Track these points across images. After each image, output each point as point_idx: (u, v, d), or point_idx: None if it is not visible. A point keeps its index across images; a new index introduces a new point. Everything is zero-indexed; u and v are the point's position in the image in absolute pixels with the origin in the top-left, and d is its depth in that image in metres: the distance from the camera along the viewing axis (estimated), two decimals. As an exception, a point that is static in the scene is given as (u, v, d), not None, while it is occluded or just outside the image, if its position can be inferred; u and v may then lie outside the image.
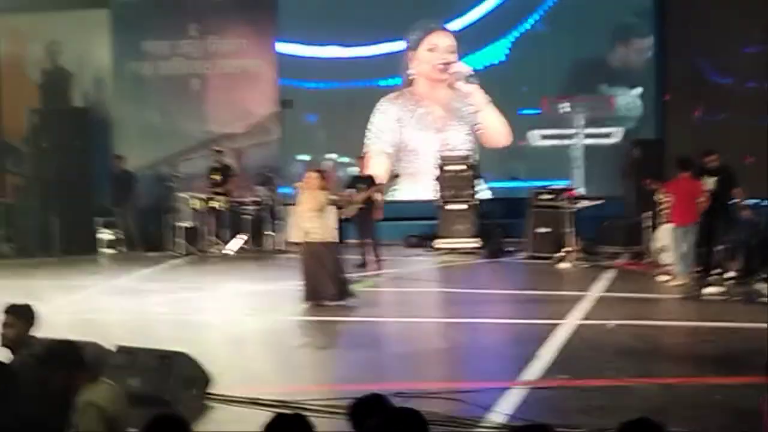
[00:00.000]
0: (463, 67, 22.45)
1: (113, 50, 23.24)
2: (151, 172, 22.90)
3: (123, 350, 8.04)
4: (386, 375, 10.45)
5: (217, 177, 20.87)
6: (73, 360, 6.18)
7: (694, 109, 21.97)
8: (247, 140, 23.10)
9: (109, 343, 8.26)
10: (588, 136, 22.63)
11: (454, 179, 20.53)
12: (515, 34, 22.64)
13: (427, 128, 22.65)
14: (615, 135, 22.55)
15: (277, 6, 23.06)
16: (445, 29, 22.58)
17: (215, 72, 23.21)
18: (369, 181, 18.02)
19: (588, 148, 22.60)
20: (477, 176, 20.65)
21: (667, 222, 15.87)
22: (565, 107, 22.64)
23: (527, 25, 22.68)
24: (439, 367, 10.93)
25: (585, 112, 22.67)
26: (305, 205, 14.31)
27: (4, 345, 6.98)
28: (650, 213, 17.88)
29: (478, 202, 20.54)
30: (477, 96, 22.39)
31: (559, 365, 10.32)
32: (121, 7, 23.13)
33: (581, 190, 21.23)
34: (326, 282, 14.10)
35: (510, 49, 22.66)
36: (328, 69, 22.78)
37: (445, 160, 20.80)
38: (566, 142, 22.70)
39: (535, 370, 10.11)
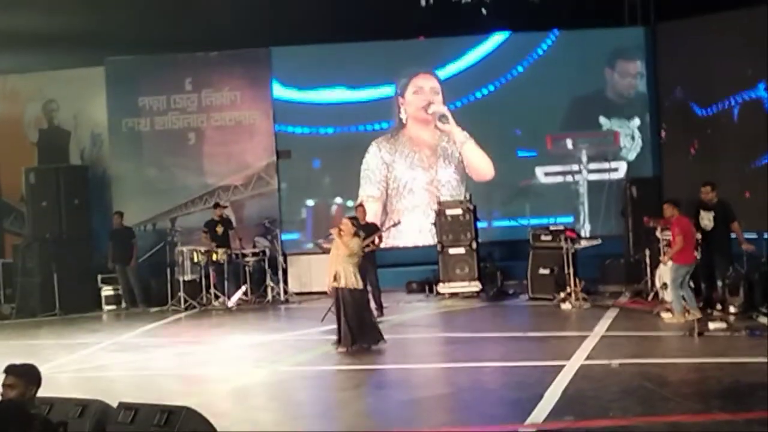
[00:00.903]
0: (439, 108, 23.02)
1: (109, 107, 23.35)
2: (150, 226, 22.94)
3: (125, 406, 7.99)
4: (392, 422, 10.42)
5: (219, 230, 20.88)
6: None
7: (689, 146, 22.06)
8: (245, 192, 23.14)
9: (113, 400, 8.23)
10: (592, 171, 22.83)
11: (453, 224, 20.58)
12: (507, 76, 23.09)
13: (415, 167, 23.14)
14: (621, 170, 22.75)
15: (270, 58, 23.19)
16: (429, 72, 23.15)
17: (211, 125, 23.32)
18: (371, 228, 18.03)
19: (592, 184, 22.76)
20: (476, 219, 20.66)
21: (671, 261, 15.77)
22: (568, 144, 23.04)
23: (519, 68, 23.08)
24: (445, 413, 10.87)
25: (589, 147, 22.87)
26: (339, 251, 14.74)
27: None
28: (649, 251, 17.90)
29: (477, 246, 20.54)
30: (456, 134, 23.03)
31: (564, 406, 10.28)
32: (116, 64, 23.23)
33: (587, 227, 21.37)
34: (359, 327, 14.50)
35: (502, 90, 23.16)
36: (325, 114, 23.09)
37: (443, 205, 20.84)
38: (570, 178, 22.96)
39: (540, 412, 10.07)
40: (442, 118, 22.95)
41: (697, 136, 22.03)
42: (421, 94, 23.16)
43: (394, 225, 20.01)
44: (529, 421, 9.77)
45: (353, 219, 15.50)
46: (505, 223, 22.76)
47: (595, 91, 23.17)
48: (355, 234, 15.00)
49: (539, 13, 22.74)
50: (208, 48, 23.29)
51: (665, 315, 16.02)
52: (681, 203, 16.19)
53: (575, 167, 23.01)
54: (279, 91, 23.25)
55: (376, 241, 17.87)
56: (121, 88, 23.31)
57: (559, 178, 23.18)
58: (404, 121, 23.17)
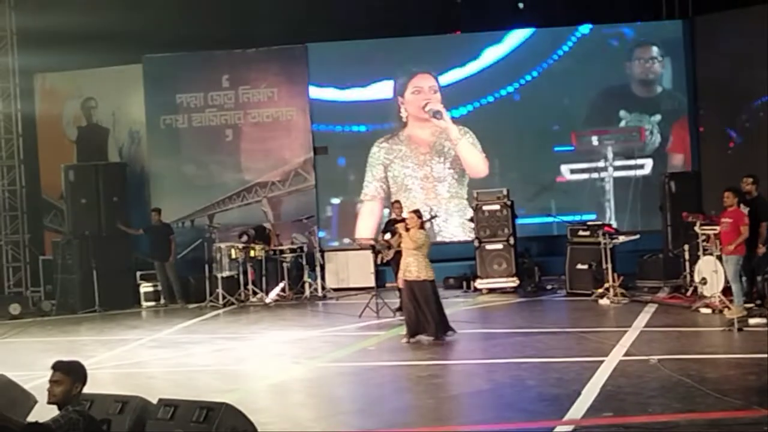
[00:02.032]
0: (434, 105, 23.08)
1: (147, 104, 23.48)
2: (188, 223, 23.05)
3: (165, 403, 8.04)
4: (430, 418, 10.43)
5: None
6: None
7: (728, 141, 21.92)
8: (283, 188, 23.20)
9: (152, 396, 8.27)
10: (618, 168, 22.76)
11: (491, 219, 20.55)
12: (533, 73, 23.15)
13: (409, 165, 23.25)
14: (647, 166, 22.66)
15: (307, 54, 23.23)
16: (427, 72, 23.19)
17: (248, 121, 23.39)
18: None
19: (618, 181, 22.72)
20: (513, 215, 20.61)
21: (729, 253, 15.58)
22: (593, 140, 23.03)
23: (545, 65, 23.16)
24: (483, 409, 10.86)
25: (614, 144, 22.82)
26: (405, 245, 14.96)
27: (51, 402, 7.01)
28: (688, 246, 17.80)
29: (514, 241, 20.51)
30: (452, 131, 23.11)
31: (602, 402, 10.26)
32: (154, 61, 23.35)
33: (613, 224, 21.29)
34: (428, 319, 14.71)
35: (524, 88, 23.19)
36: (351, 112, 23.30)
37: (480, 200, 20.81)
38: (596, 175, 22.93)
39: (579, 408, 10.05)
40: (437, 114, 23.02)
41: (736, 131, 21.87)
42: (421, 94, 23.20)
43: (432, 219, 19.99)
44: (567, 417, 9.76)
45: (417, 212, 15.51)
46: (536, 219, 22.68)
47: (619, 85, 23.14)
48: (421, 226, 15.11)
49: (574, 5, 22.68)
50: (245, 45, 23.35)
51: (704, 310, 15.94)
52: (742, 194, 16.03)
53: (601, 164, 22.93)
54: (314, 91, 23.31)
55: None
56: (159, 86, 23.43)
57: (585, 175, 23.10)
58: (404, 120, 23.24)
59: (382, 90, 23.32)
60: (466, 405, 11.05)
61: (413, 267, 14.84)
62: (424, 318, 14.76)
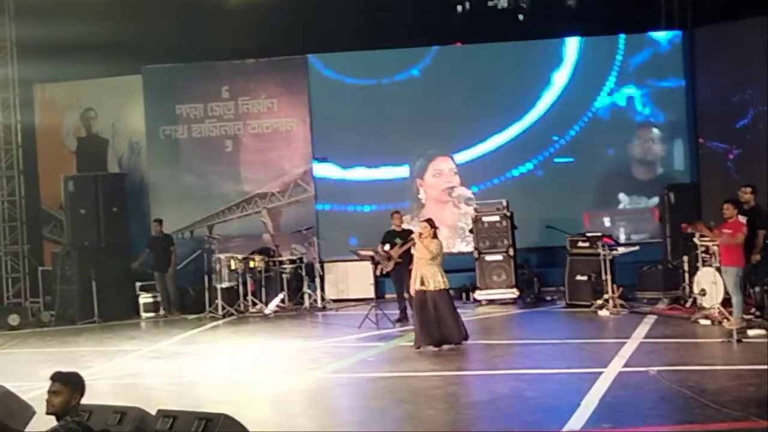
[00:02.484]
0: (464, 191, 22.97)
1: (146, 115, 23.47)
2: (187, 234, 23.05)
3: (164, 414, 8.03)
4: (431, 429, 10.42)
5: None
6: None
7: (727, 153, 21.92)
8: (282, 199, 23.21)
9: (151, 407, 8.27)
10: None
11: (490, 230, 20.56)
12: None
13: None
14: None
15: (307, 65, 23.25)
16: (446, 155, 23.09)
17: (248, 132, 23.38)
18: (406, 235, 18.06)
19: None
20: (513, 226, 20.61)
21: (728, 265, 15.57)
22: (605, 222, 22.94)
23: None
24: (483, 420, 10.86)
25: (627, 225, 22.87)
26: (421, 254, 15.05)
27: (50, 413, 7.02)
28: (688, 257, 17.80)
29: (514, 252, 20.50)
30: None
31: (602, 414, 10.27)
32: (153, 72, 23.36)
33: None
34: (442, 327, 14.90)
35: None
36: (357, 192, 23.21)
37: (480, 212, 20.81)
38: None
39: (578, 419, 10.05)
40: (469, 200, 22.79)
41: (735, 143, 21.88)
42: (441, 177, 23.15)
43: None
44: (566, 428, 9.77)
45: (430, 221, 15.54)
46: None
47: (620, 169, 23.05)
48: (434, 235, 15.17)
49: (576, 19, 22.69)
50: (245, 56, 23.38)
51: (703, 322, 15.95)
52: (740, 204, 16.05)
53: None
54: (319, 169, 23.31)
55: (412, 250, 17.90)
56: (159, 96, 23.44)
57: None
58: (423, 202, 23.15)
59: (396, 171, 23.25)
60: (465, 416, 11.04)
61: (429, 278, 14.92)
62: (432, 329, 14.88)
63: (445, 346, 14.99)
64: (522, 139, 22.84)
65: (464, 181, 23.03)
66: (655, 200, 22.10)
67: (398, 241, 18.02)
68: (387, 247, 18.21)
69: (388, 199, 22.46)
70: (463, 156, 23.06)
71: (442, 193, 23.15)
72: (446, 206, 23.14)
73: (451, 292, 20.83)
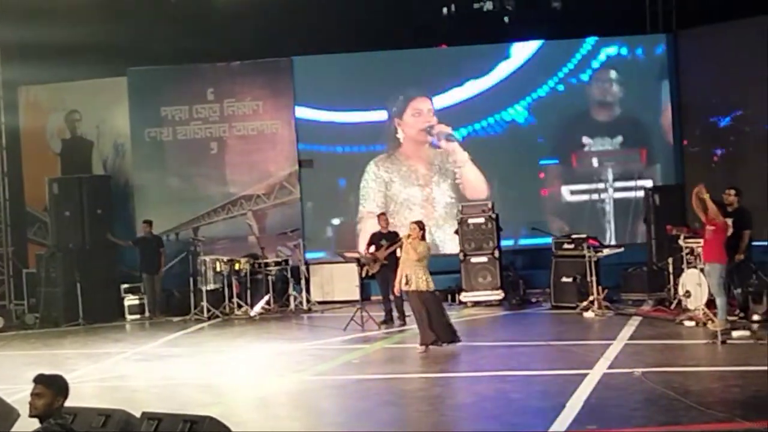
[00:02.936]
0: (444, 128, 23.12)
1: (131, 117, 23.39)
2: (173, 236, 23.00)
3: (149, 416, 8.02)
4: (414, 431, 10.43)
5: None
6: None
7: (712, 154, 21.98)
8: (268, 201, 23.19)
9: (136, 409, 8.25)
10: (618, 189, 22.82)
11: (476, 232, 20.56)
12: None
13: (411, 185, 23.23)
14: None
15: (292, 67, 23.24)
16: (424, 96, 23.22)
17: (233, 134, 23.34)
18: (392, 237, 18.06)
19: (618, 202, 22.82)
20: (498, 228, 20.63)
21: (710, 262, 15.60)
22: (594, 162, 23.16)
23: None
24: (468, 422, 10.87)
25: (615, 165, 22.97)
26: (406, 255, 15.15)
27: (33, 415, 7.00)
28: (672, 259, 17.84)
29: (499, 254, 20.52)
30: (458, 153, 23.13)
31: (587, 415, 10.27)
32: (138, 74, 23.32)
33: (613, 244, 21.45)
34: (432, 327, 14.94)
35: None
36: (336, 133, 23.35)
37: (465, 213, 20.82)
38: (596, 197, 23.09)
39: (563, 421, 10.05)
40: (449, 136, 23.06)
41: (720, 144, 21.95)
42: (421, 116, 23.23)
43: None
44: (552, 429, 9.77)
45: (420, 223, 15.58)
46: (533, 240, 22.66)
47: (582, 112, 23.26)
48: (423, 237, 15.23)
49: (562, 20, 22.73)
50: (230, 58, 23.36)
51: (688, 323, 15.98)
52: (725, 206, 16.07)
53: (601, 185, 22.96)
54: (300, 111, 23.35)
55: (398, 252, 17.90)
56: (144, 98, 23.38)
57: (585, 197, 23.15)
58: (401, 141, 23.24)
59: (376, 114, 23.38)
60: (450, 418, 11.05)
61: (413, 279, 14.96)
62: (431, 327, 14.98)
63: (435, 346, 15.03)
64: (501, 86, 23.14)
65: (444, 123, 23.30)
66: (620, 139, 22.62)
67: (384, 242, 18.04)
68: (373, 248, 18.22)
69: (363, 142, 23.23)
70: (443, 100, 23.27)
71: (421, 132, 23.27)
72: (423, 146, 23.32)
73: (437, 293, 21.12)
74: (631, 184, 22.76)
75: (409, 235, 15.26)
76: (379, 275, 18.19)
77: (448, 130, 23.08)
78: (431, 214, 22.74)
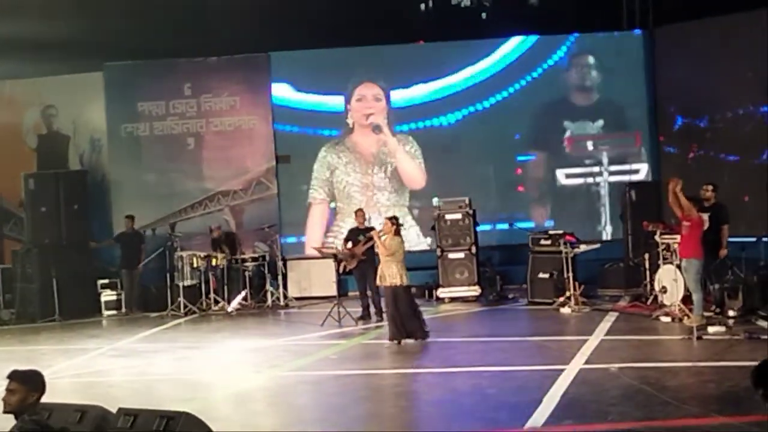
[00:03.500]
0: (375, 118, 23.28)
1: (108, 112, 23.33)
2: (149, 231, 22.93)
3: (125, 412, 7.98)
4: (392, 427, 10.43)
5: (226, 249, 20.97)
6: None
7: (688, 151, 22.05)
8: (245, 196, 23.15)
9: (112, 405, 8.22)
10: (614, 173, 23.00)
11: (453, 228, 20.57)
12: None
13: (353, 172, 23.31)
14: (642, 171, 22.97)
15: (269, 63, 23.21)
16: (371, 80, 23.32)
17: (210, 130, 23.30)
18: (369, 232, 18.06)
19: (614, 186, 22.91)
20: (475, 224, 20.65)
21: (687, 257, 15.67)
22: (588, 145, 23.33)
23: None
24: (444, 417, 10.87)
25: (610, 149, 23.09)
26: (380, 251, 15.34)
27: (7, 411, 6.96)
28: (649, 255, 17.90)
29: (476, 250, 20.53)
30: (391, 144, 23.27)
31: (563, 410, 10.30)
32: (115, 69, 23.23)
33: (608, 229, 21.54)
34: (404, 323, 15.09)
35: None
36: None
37: (443, 209, 20.83)
38: (591, 180, 23.29)
39: (539, 416, 10.08)
40: (376, 128, 23.18)
41: (696, 141, 22.02)
42: (363, 101, 23.31)
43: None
44: (528, 425, 9.79)
45: (394, 218, 15.61)
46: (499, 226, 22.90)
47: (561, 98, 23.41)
48: (396, 232, 15.30)
49: (538, 17, 22.75)
50: (207, 53, 23.30)
51: (664, 319, 16.04)
52: (702, 202, 16.15)
53: (596, 169, 23.09)
54: (281, 92, 23.37)
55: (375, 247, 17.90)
56: (120, 94, 23.30)
57: (580, 180, 23.28)
58: (351, 127, 23.32)
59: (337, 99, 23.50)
60: (426, 414, 11.06)
61: (386, 274, 14.98)
62: (403, 322, 15.11)
63: (410, 341, 15.12)
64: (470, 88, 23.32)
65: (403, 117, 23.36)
66: (600, 123, 22.89)
67: (362, 238, 18.03)
68: (350, 244, 18.20)
69: (322, 125, 23.39)
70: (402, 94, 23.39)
71: (363, 118, 23.38)
72: (367, 132, 23.43)
73: (413, 289, 21.13)
74: (626, 167, 22.87)
75: (379, 231, 15.30)
76: (356, 271, 18.18)
77: (379, 121, 23.18)
78: (372, 202, 22.88)
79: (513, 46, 23.25)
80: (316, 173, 23.32)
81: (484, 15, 22.98)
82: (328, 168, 23.31)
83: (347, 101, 23.29)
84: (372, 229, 18.35)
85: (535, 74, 23.16)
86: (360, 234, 18.26)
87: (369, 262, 17.51)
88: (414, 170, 23.23)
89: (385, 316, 17.81)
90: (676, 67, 22.17)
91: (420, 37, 23.68)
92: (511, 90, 23.16)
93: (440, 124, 23.28)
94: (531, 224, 22.29)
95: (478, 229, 20.84)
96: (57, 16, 21.22)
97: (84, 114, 23.96)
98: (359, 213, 19.02)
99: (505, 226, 22.44)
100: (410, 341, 15.12)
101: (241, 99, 23.29)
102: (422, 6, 22.96)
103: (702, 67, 21.55)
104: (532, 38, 23.23)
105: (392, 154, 23.19)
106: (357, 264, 17.99)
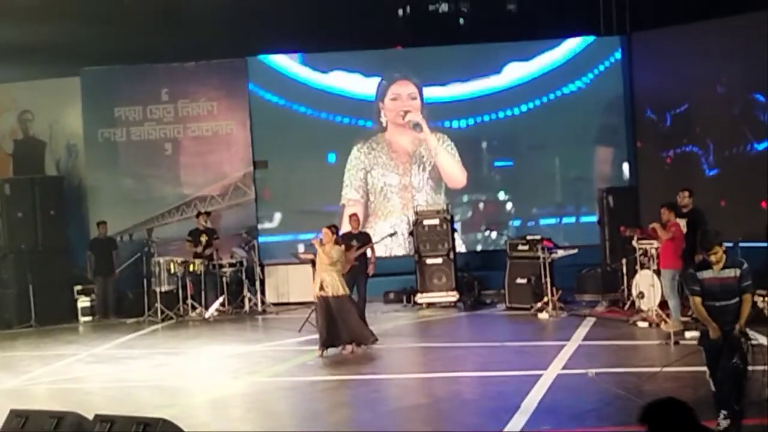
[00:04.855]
0: (413, 116, 23.08)
1: (85, 117, 23.21)
2: (126, 237, 22.86)
3: (101, 419, 7.96)
4: (369, 433, 10.44)
5: (203, 240, 20.86)
6: None
7: (665, 156, 22.13)
8: (222, 202, 23.09)
9: (89, 412, 8.19)
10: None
11: (431, 233, 20.58)
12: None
13: (389, 173, 23.19)
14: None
15: (247, 69, 23.18)
16: (406, 78, 23.14)
17: (188, 135, 23.22)
18: (362, 237, 18.03)
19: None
20: (453, 229, 20.66)
21: (663, 267, 15.76)
22: None
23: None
24: (422, 423, 10.88)
25: None
26: (320, 260, 15.14)
27: None
28: (626, 260, 17.95)
29: (454, 256, 20.55)
30: (430, 141, 23.07)
31: (541, 416, 10.32)
32: (92, 74, 23.14)
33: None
34: (342, 332, 14.98)
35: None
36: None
37: (420, 215, 20.84)
38: None
39: (517, 421, 10.09)
40: (416, 126, 23.00)
41: (672, 146, 22.10)
42: (399, 100, 23.14)
43: (390, 236, 19.89)
44: (506, 430, 9.80)
45: (333, 227, 15.53)
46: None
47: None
48: (336, 242, 15.17)
49: (517, 23, 22.83)
50: (185, 58, 23.24)
51: (642, 324, 16.09)
52: (679, 207, 16.21)
53: None
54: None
55: (368, 253, 17.86)
56: (97, 99, 23.20)
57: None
58: (384, 126, 23.20)
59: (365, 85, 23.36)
60: (404, 419, 11.05)
61: (328, 283, 14.97)
62: (337, 332, 14.98)
63: (333, 350, 15.11)
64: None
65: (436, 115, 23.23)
66: None
67: (355, 243, 17.97)
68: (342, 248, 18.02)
69: (354, 114, 23.18)
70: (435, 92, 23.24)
71: (398, 116, 23.20)
72: (405, 132, 23.23)
73: (391, 295, 21.19)
74: None
75: (321, 240, 15.24)
76: (347, 275, 17.98)
77: (418, 119, 23.03)
78: (410, 203, 22.72)
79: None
80: (350, 172, 23.21)
81: (461, 21, 23.04)
82: (363, 169, 23.18)
83: (380, 99, 23.19)
84: (366, 234, 18.34)
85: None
86: (353, 239, 18.15)
87: (361, 267, 17.49)
88: (455, 168, 23.12)
89: (366, 321, 17.93)
90: (653, 71, 22.24)
91: (398, 42, 23.68)
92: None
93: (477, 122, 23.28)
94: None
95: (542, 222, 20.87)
96: (33, 20, 21.14)
97: (60, 119, 23.87)
98: (354, 217, 18.85)
99: (572, 219, 22.75)
100: (361, 346, 15.08)
101: (218, 104, 23.24)
102: (400, 11, 23.01)
103: (678, 74, 21.63)
104: (589, 38, 23.21)
105: (432, 151, 23.03)
106: (349, 269, 17.86)
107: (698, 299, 9.52)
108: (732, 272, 9.51)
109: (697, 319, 15.34)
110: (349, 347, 15.05)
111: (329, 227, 15.49)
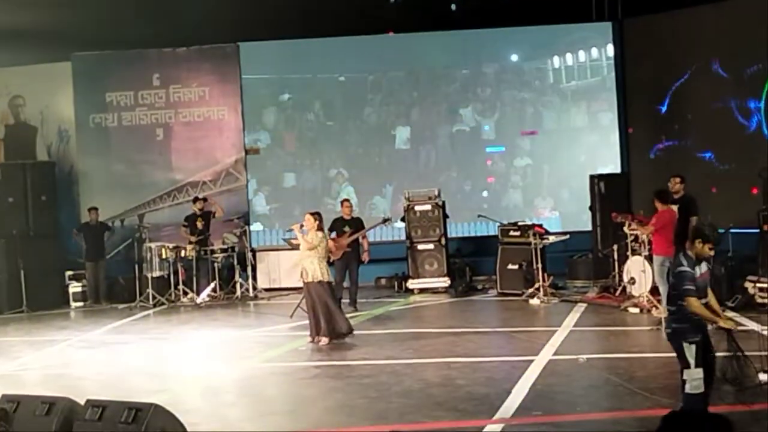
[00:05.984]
0: None
1: (76, 102, 23.18)
2: (118, 222, 22.83)
3: (93, 404, 7.96)
4: (361, 418, 10.43)
5: (200, 224, 20.86)
6: None
7: (657, 142, 22.15)
8: (214, 188, 23.07)
9: (81, 397, 8.19)
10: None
11: (422, 219, 20.59)
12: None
13: None
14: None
15: (239, 53, 23.13)
16: None
17: (179, 121, 23.21)
18: (355, 223, 18.01)
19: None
20: (445, 215, 20.67)
21: (654, 254, 15.76)
22: None
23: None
24: (414, 408, 10.88)
25: None
26: (301, 245, 15.07)
27: None
28: (617, 246, 17.96)
29: (446, 242, 20.57)
30: None
31: (532, 402, 10.34)
32: (83, 59, 23.08)
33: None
34: (326, 319, 14.88)
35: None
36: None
37: (412, 201, 20.83)
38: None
39: (508, 407, 10.11)
40: None
41: (663, 133, 22.11)
42: None
43: (384, 222, 19.88)
44: (497, 416, 9.82)
45: (315, 214, 15.45)
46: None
47: None
48: (318, 228, 15.10)
49: (510, 8, 22.77)
50: (177, 44, 23.20)
51: (632, 310, 16.11)
52: (669, 195, 16.19)
53: None
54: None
55: (361, 239, 17.86)
56: (88, 84, 23.16)
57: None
58: None
59: None
60: (396, 404, 11.04)
61: (308, 270, 14.92)
62: (325, 318, 14.93)
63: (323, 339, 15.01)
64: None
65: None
66: None
67: (347, 229, 17.98)
68: (334, 234, 18.05)
69: None
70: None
71: None
72: None
73: (383, 281, 21.20)
74: None
75: (301, 226, 15.19)
76: (339, 261, 17.98)
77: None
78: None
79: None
80: None
81: (453, 6, 22.97)
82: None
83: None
84: (359, 220, 18.35)
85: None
86: (345, 225, 18.16)
87: (354, 253, 17.51)
88: None
89: (357, 306, 17.96)
90: (644, 59, 22.25)
91: (389, 27, 23.64)
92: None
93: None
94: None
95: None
96: (25, 5, 21.05)
97: (52, 104, 23.85)
98: (346, 203, 18.82)
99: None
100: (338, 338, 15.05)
101: (210, 89, 23.21)
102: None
103: (669, 60, 21.64)
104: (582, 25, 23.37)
105: None
106: (342, 255, 17.88)
107: (694, 299, 9.41)
108: (707, 266, 9.48)
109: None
110: (323, 339, 14.91)
111: (312, 214, 15.40)
